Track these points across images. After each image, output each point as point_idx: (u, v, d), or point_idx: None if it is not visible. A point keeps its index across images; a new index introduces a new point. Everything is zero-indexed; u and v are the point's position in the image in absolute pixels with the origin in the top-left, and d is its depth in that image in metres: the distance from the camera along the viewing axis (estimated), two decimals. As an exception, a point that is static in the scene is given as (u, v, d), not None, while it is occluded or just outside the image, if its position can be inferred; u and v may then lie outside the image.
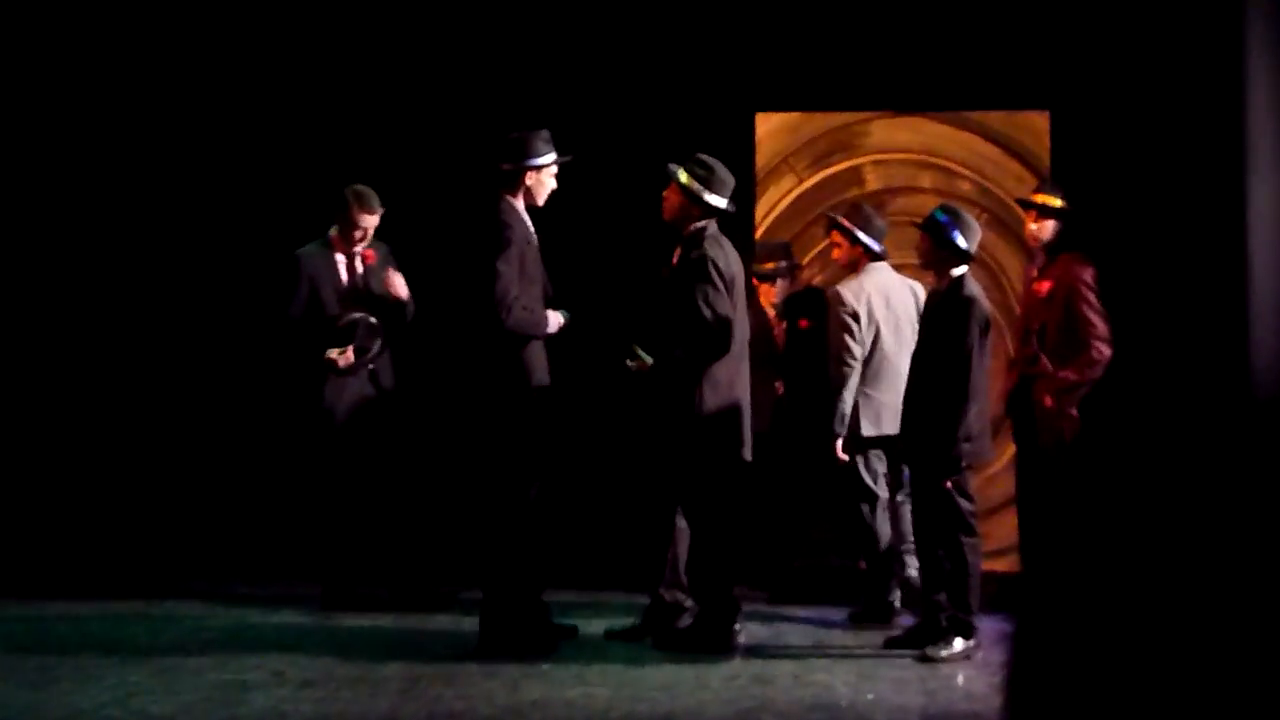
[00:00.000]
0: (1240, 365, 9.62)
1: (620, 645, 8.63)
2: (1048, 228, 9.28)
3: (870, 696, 7.47)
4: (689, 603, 8.71)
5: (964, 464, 8.29)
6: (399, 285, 9.57)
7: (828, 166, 10.57)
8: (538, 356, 8.54)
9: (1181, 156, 10.12)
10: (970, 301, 8.28)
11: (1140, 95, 10.26)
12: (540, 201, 8.58)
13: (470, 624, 8.70)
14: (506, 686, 7.58)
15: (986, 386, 8.44)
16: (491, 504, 8.50)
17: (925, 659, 8.21)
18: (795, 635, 8.98)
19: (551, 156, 8.58)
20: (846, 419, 9.25)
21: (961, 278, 8.35)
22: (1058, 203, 9.29)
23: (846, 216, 9.41)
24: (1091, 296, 9.16)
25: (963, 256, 8.33)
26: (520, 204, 8.57)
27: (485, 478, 8.54)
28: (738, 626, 8.61)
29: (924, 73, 10.57)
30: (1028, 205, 9.37)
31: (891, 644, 8.54)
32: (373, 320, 9.56)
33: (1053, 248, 9.27)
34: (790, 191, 10.59)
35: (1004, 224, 10.29)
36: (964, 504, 8.32)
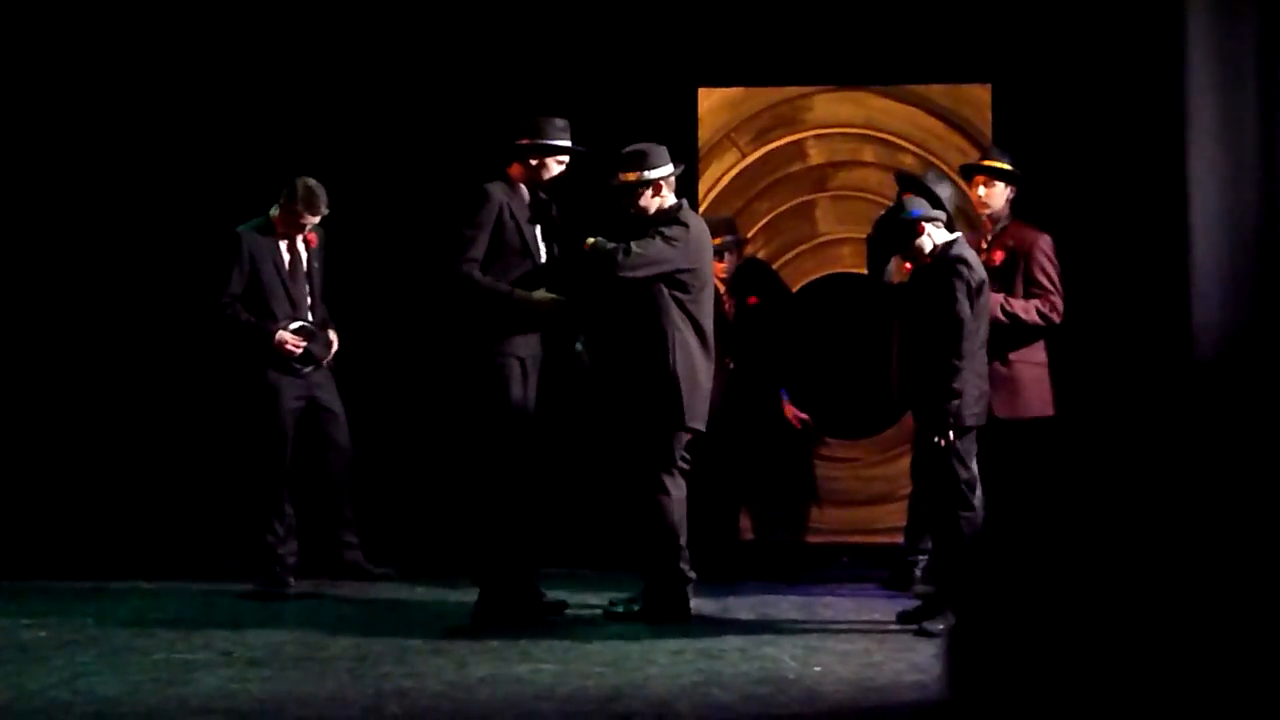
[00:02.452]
0: (1182, 329, 9.70)
1: (568, 621, 8.66)
2: (996, 194, 9.33)
3: (817, 669, 7.50)
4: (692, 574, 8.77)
5: (954, 423, 8.24)
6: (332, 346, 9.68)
7: (770, 141, 10.57)
8: (517, 330, 8.58)
9: (1123, 127, 10.17)
10: (959, 261, 8.27)
11: (1082, 67, 10.30)
12: (544, 179, 8.70)
13: (413, 602, 8.71)
14: (454, 664, 7.59)
15: (982, 349, 8.41)
16: (474, 482, 8.58)
17: (922, 633, 8.19)
18: (743, 609, 9.00)
19: (564, 143, 8.67)
20: None
21: (951, 241, 8.35)
22: (1007, 166, 9.35)
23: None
24: (1049, 265, 9.24)
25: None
26: (520, 182, 8.69)
27: (465, 457, 8.62)
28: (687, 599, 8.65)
29: (866, 47, 10.58)
30: (977, 170, 9.40)
31: (903, 617, 8.50)
32: (330, 341, 9.60)
33: (1002, 216, 9.35)
34: (733, 167, 10.59)
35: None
36: (962, 473, 8.25)
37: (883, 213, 8.67)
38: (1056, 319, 9.21)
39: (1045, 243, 9.28)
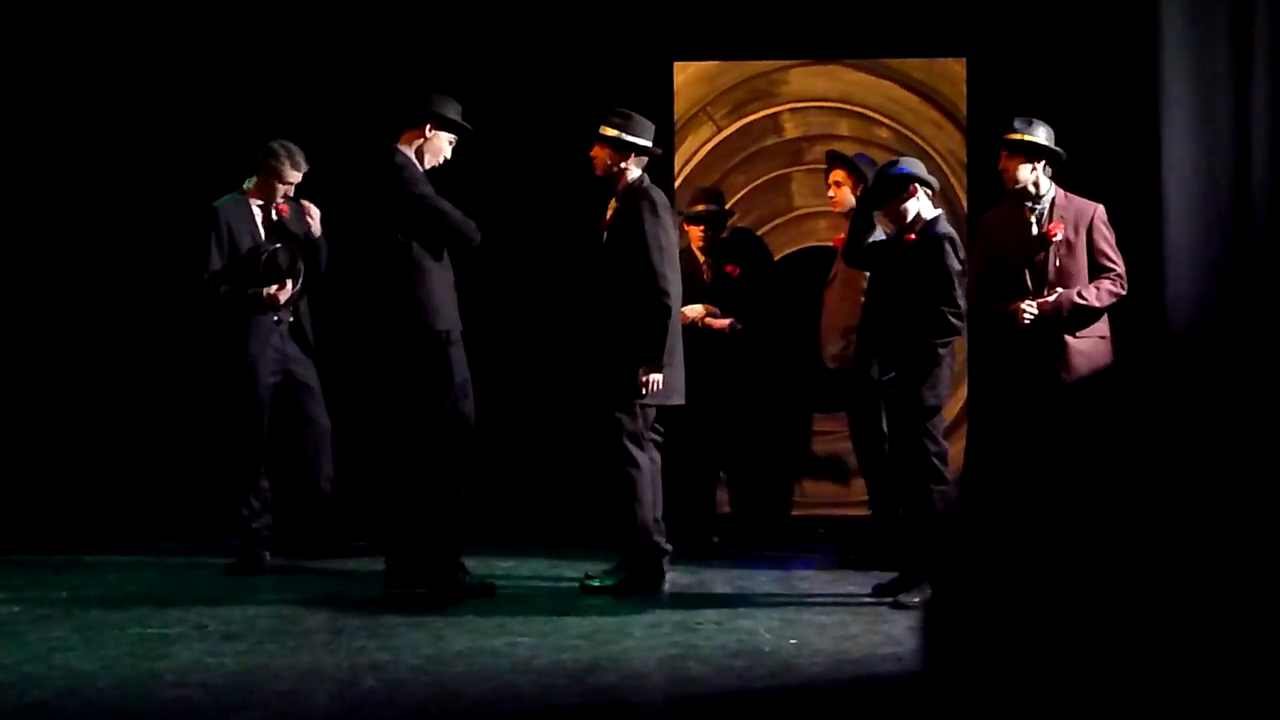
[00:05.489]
0: (1155, 301, 9.75)
1: (544, 594, 8.66)
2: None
3: (793, 642, 7.51)
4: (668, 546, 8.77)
5: (937, 405, 8.26)
6: (314, 218, 9.54)
7: (746, 115, 10.57)
8: (449, 303, 8.55)
9: (1098, 102, 10.18)
10: (949, 240, 8.23)
11: (1057, 41, 10.31)
12: (426, 165, 8.56)
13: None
14: (431, 637, 7.59)
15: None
16: (413, 457, 8.52)
17: (897, 606, 8.17)
18: (719, 582, 9.01)
19: (455, 124, 8.58)
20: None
21: (936, 218, 8.33)
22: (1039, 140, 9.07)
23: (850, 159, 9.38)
24: (1111, 236, 8.96)
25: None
26: (413, 147, 8.56)
27: (407, 434, 8.55)
28: (663, 572, 8.67)
29: (841, 20, 10.58)
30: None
31: (879, 590, 8.48)
32: (290, 248, 9.47)
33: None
34: (709, 140, 10.58)
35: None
36: (932, 446, 8.22)
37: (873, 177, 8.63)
38: (1124, 291, 8.90)
39: (1101, 214, 9.01)
